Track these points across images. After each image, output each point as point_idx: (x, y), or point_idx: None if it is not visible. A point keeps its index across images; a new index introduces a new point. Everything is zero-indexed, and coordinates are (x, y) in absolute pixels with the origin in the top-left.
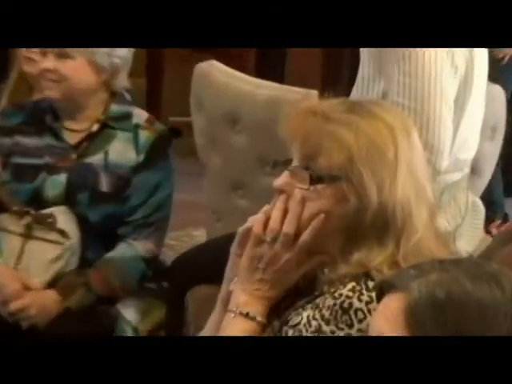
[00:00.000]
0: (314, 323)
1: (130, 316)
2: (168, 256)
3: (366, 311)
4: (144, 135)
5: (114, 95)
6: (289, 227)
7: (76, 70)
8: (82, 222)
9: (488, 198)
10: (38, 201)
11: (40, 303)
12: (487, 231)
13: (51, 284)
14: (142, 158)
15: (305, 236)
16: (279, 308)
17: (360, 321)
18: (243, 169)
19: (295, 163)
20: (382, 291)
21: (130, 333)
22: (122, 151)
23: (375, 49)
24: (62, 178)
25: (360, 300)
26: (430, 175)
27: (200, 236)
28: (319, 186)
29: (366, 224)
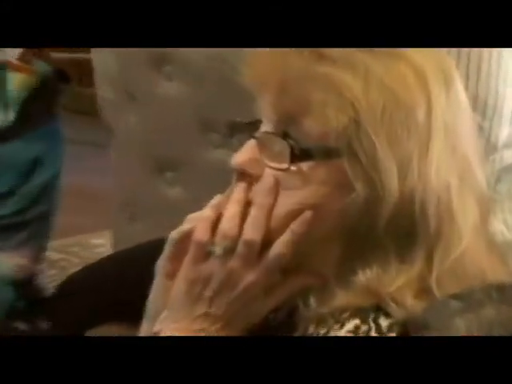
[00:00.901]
0: None
1: None
2: (50, 278)
3: None
4: (15, 81)
5: None
6: (253, 232)
7: None
8: None
9: None
10: None
11: None
12: None
13: None
14: (11, 117)
15: (279, 246)
16: None
17: None
18: (175, 137)
19: (266, 128)
20: (405, 334)
21: None
22: None
23: None
24: None
25: None
26: (481, 150)
27: (102, 246)
28: (305, 165)
29: (378, 227)
